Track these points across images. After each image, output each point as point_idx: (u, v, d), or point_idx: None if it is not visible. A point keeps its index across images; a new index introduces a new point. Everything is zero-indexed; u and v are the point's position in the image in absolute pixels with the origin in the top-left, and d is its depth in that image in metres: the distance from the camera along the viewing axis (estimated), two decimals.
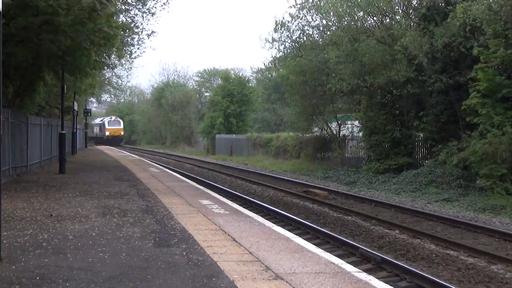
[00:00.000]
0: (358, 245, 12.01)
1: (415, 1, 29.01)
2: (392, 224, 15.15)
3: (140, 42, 32.16)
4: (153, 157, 48.75)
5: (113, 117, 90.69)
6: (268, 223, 11.02)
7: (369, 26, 30.80)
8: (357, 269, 7.51)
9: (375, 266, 10.72)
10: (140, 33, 31.12)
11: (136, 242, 8.78)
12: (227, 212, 12.34)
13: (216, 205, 13.46)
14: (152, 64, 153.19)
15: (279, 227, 10.86)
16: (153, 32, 32.54)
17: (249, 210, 14.24)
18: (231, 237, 9.34)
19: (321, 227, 14.43)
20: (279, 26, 36.28)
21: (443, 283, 9.02)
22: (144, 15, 29.94)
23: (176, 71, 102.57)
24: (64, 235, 9.30)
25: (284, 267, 7.28)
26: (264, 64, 63.10)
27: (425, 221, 16.06)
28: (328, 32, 33.90)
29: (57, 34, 16.59)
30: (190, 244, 8.71)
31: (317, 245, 10.34)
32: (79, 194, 15.21)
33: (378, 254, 11.19)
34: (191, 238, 9.16)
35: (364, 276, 7.02)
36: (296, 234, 11.02)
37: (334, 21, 32.74)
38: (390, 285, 7.19)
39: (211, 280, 6.56)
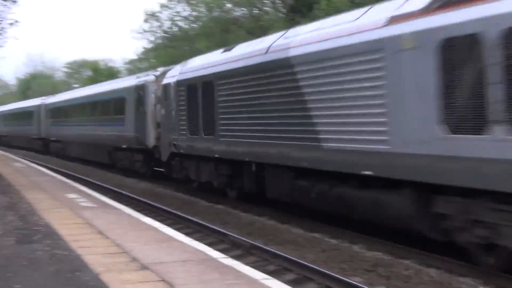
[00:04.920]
0: (228, 233, 12.22)
1: None
2: (261, 211, 15.47)
3: (1, 32, 30.40)
4: (20, 152, 46.49)
5: None
6: (136, 215, 10.99)
7: (239, 17, 31.24)
8: (224, 255, 7.69)
9: (244, 252, 10.96)
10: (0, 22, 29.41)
11: None
12: (95, 206, 12.14)
13: (84, 199, 13.19)
14: (18, 55, 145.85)
15: (148, 217, 10.86)
16: (16, 21, 30.88)
17: (119, 202, 14.04)
18: (98, 230, 9.22)
19: (192, 217, 14.50)
20: (150, 16, 35.98)
21: (307, 264, 9.40)
22: (6, 3, 28.30)
23: (43, 62, 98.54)
24: None
25: (151, 257, 7.30)
26: (136, 55, 62.14)
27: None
28: (200, 23, 34.01)
29: None
30: (55, 239, 8.50)
31: (188, 234, 10.44)
32: None
33: (247, 240, 11.45)
34: (55, 233, 8.94)
35: (230, 261, 7.22)
36: (167, 225, 11.04)
37: (205, 12, 32.88)
38: (258, 270, 7.42)
39: (75, 275, 6.45)
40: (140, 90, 22.87)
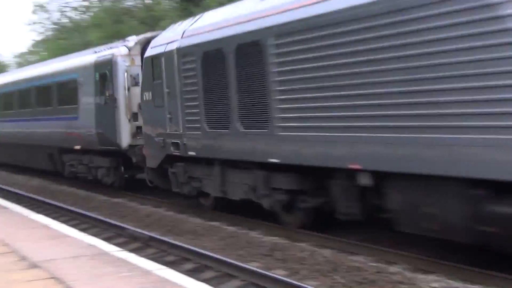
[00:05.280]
0: (125, 226, 12.02)
1: None
2: (158, 203, 15.32)
3: None
4: None
5: None
6: (27, 213, 10.62)
7: (131, 7, 30.74)
8: (118, 249, 7.60)
9: (143, 245, 10.83)
10: None
11: None
12: None
13: None
14: None
15: (40, 215, 10.53)
16: None
17: (8, 201, 13.51)
18: None
19: (88, 212, 14.17)
20: (38, 8, 34.87)
21: (205, 252, 9.42)
22: None
23: None
24: None
25: (42, 254, 7.09)
26: (26, 48, 59.91)
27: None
28: (92, 14, 33.24)
29: None
30: None
31: (84, 230, 10.20)
32: None
33: (145, 232, 11.31)
34: None
35: (125, 254, 7.13)
36: (62, 221, 10.76)
37: (95, 2, 32.17)
38: (157, 261, 7.38)
39: None
40: (104, 68, 16.08)
